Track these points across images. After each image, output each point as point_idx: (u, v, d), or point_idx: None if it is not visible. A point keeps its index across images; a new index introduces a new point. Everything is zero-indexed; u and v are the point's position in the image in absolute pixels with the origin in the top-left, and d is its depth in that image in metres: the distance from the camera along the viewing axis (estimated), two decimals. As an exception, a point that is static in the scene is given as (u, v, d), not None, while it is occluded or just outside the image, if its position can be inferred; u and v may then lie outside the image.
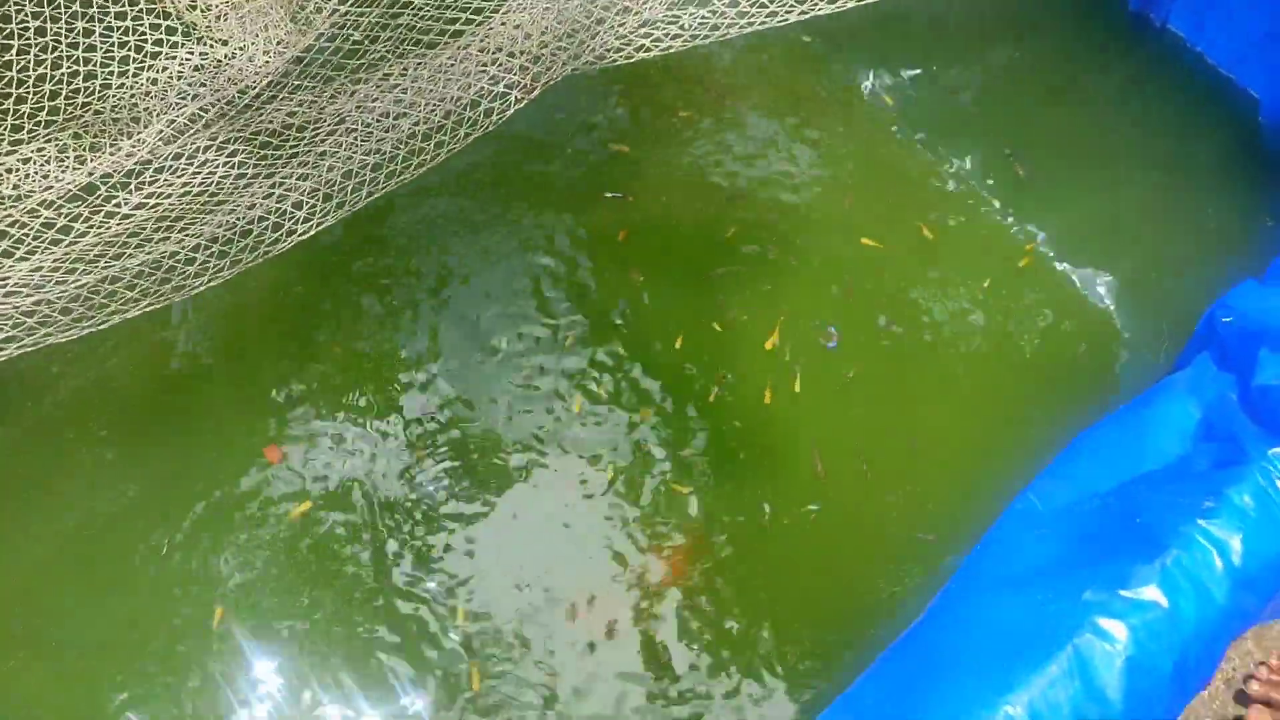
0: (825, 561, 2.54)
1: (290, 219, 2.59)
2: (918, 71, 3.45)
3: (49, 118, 2.53)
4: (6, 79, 2.49)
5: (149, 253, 2.55)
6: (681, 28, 2.69)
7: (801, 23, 2.71)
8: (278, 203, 2.59)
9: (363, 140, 2.63)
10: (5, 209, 2.45)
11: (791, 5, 2.70)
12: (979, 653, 1.75)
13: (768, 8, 2.71)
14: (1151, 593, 1.72)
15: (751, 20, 2.70)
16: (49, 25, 2.54)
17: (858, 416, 2.74)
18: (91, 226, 2.51)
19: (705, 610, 2.46)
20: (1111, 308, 2.97)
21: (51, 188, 2.48)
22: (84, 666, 2.36)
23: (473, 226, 3.05)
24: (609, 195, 3.12)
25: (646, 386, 2.78)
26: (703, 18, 2.70)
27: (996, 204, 3.14)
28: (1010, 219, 3.12)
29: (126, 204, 2.53)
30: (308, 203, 2.60)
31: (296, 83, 2.64)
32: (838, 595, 2.51)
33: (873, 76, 3.45)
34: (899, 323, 2.90)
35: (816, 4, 2.74)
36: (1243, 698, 2.18)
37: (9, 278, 2.40)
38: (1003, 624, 1.77)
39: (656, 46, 2.71)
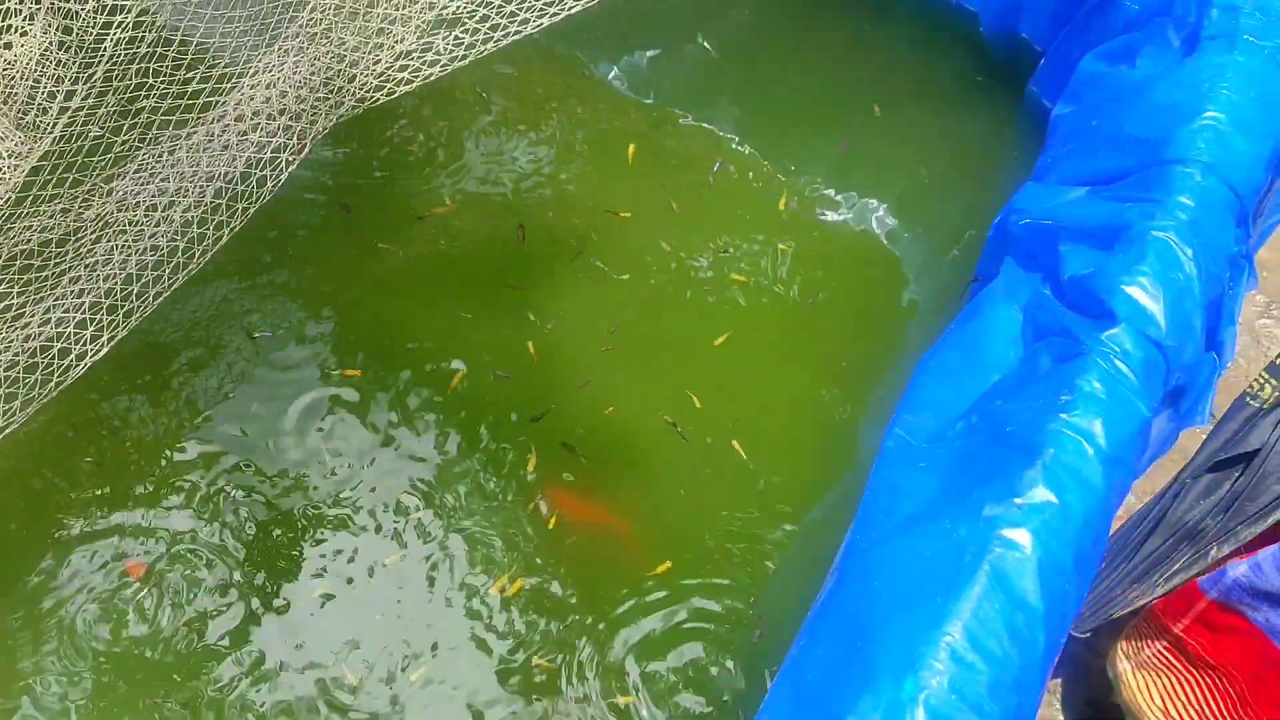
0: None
1: (78, 340, 2.39)
2: (657, 52, 3.49)
3: None
4: None
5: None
6: (437, 53, 2.62)
7: (553, 31, 2.69)
8: (58, 327, 2.38)
9: (135, 240, 2.45)
10: None
11: (542, 9, 2.68)
12: (903, 595, 1.81)
13: (518, 15, 2.67)
14: (1041, 494, 1.82)
15: (507, 32, 2.66)
16: None
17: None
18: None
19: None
20: (887, 238, 3.11)
21: None
22: None
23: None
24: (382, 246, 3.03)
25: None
26: (456, 38, 2.65)
27: (757, 159, 3.24)
28: (769, 167, 3.21)
29: None
30: (93, 320, 2.41)
31: (41, 193, 2.43)
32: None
33: (618, 67, 3.46)
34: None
35: (565, 4, 2.73)
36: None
37: None
38: (917, 561, 1.84)
39: (416, 78, 2.63)
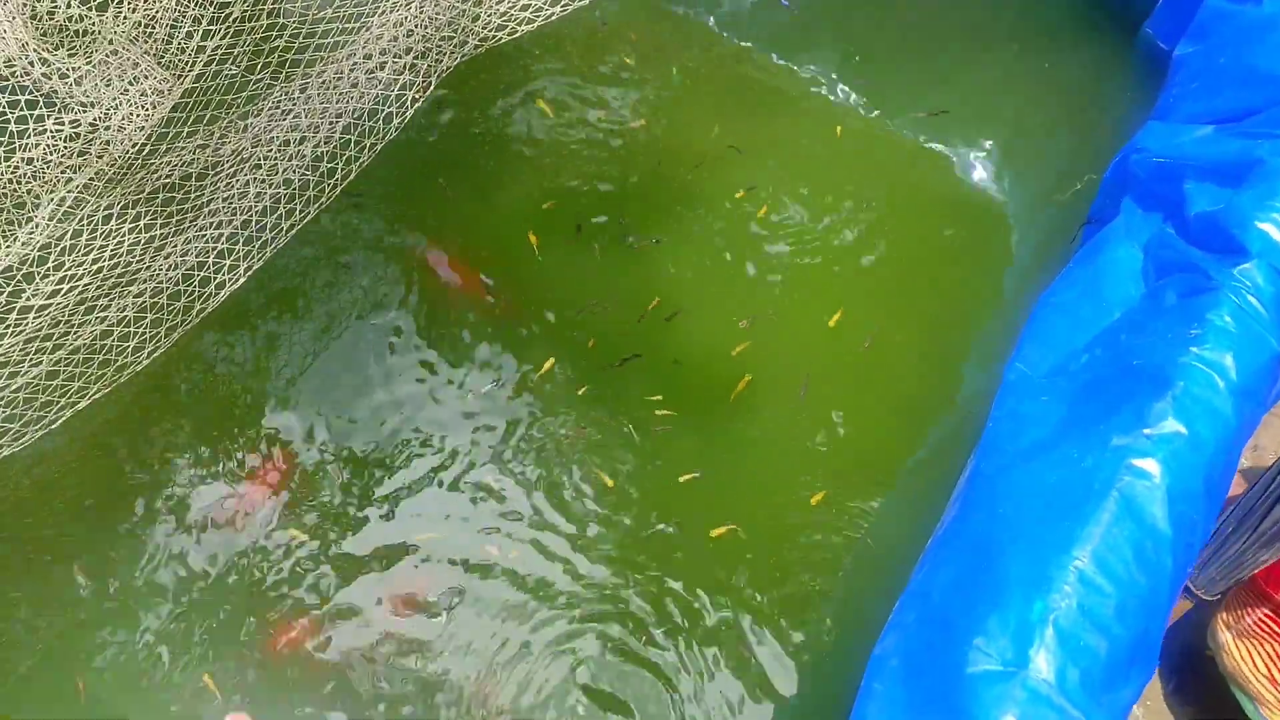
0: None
1: (218, 270, 2.50)
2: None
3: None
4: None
5: (77, 339, 2.43)
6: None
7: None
8: (198, 257, 2.49)
9: (269, 175, 2.54)
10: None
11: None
12: (1031, 520, 1.84)
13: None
14: (1171, 425, 1.84)
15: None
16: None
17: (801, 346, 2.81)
18: (7, 327, 2.36)
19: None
20: (993, 184, 3.10)
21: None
22: None
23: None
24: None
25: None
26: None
27: (858, 106, 3.23)
28: (876, 115, 3.20)
29: (39, 295, 2.39)
30: (230, 250, 2.51)
31: (181, 130, 2.52)
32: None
33: (714, 16, 3.45)
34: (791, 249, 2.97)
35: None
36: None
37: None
38: (1044, 488, 1.87)
39: (538, 17, 2.68)
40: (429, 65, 2.60)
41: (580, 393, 2.72)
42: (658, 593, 2.48)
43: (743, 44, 3.36)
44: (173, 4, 2.55)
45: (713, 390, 2.73)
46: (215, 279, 2.48)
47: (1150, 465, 1.81)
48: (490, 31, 2.63)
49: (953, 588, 1.88)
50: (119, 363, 2.41)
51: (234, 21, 2.58)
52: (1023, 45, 3.38)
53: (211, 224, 2.53)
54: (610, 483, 2.60)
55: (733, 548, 2.53)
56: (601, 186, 3.03)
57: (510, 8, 2.65)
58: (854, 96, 3.24)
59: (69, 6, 2.50)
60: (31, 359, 2.39)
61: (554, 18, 2.66)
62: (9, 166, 2.47)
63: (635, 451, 2.65)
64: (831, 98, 3.24)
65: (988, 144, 3.14)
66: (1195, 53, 2.60)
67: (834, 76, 3.30)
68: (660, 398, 2.71)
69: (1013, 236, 3.07)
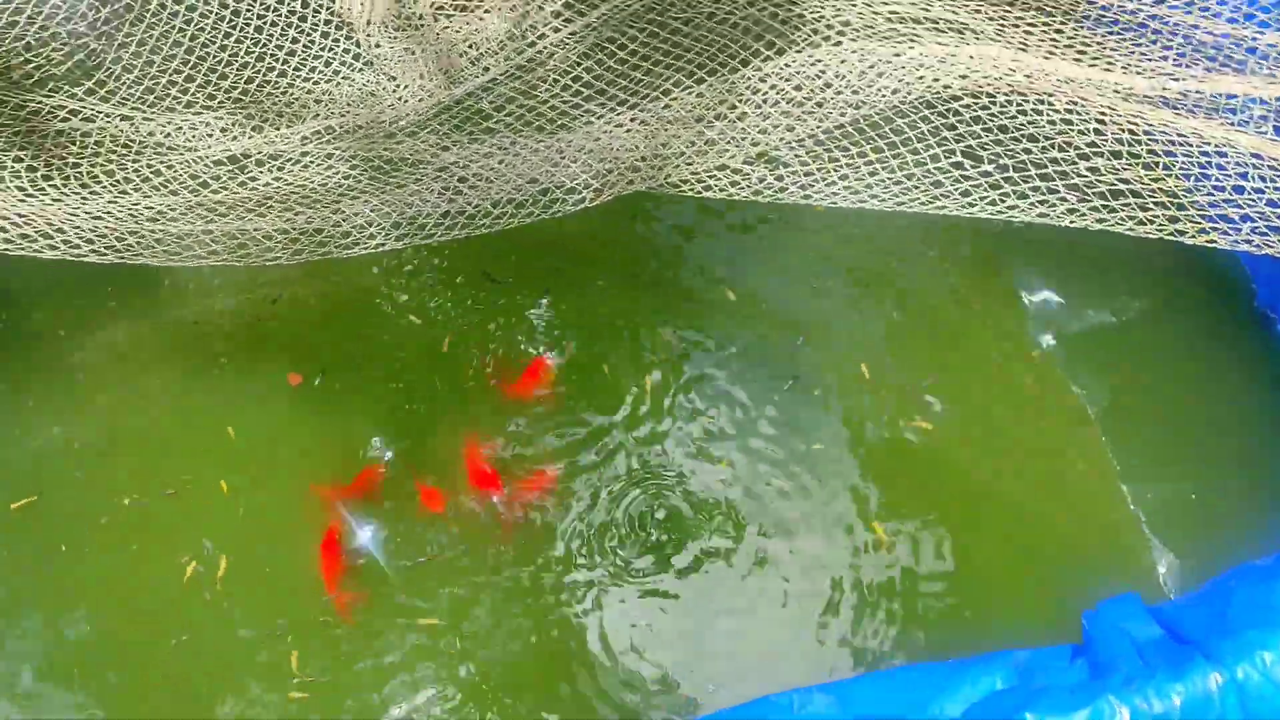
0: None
1: (366, 234, 2.90)
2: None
3: (236, 96, 3.07)
4: (221, 59, 3.07)
5: (255, 222, 3.00)
6: (747, 178, 2.70)
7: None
8: (363, 218, 2.91)
9: (451, 187, 2.90)
10: (173, 154, 3.00)
11: (834, 182, 2.63)
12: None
13: (836, 181, 2.65)
14: None
15: (818, 189, 2.66)
16: (270, 29, 3.08)
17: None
18: (225, 187, 2.99)
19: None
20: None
21: (211, 149, 3.00)
22: None
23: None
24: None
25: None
26: (775, 175, 2.70)
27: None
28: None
29: (256, 180, 2.99)
30: (379, 224, 2.92)
31: (425, 126, 2.99)
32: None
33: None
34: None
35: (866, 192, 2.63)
36: None
37: (153, 204, 2.93)
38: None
39: (716, 186, 2.74)
40: (613, 180, 2.80)
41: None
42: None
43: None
44: (483, 37, 3.05)
45: None
46: (361, 240, 2.84)
47: None
48: (673, 180, 2.75)
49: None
50: (255, 252, 2.92)
51: (514, 68, 3.01)
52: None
53: (393, 198, 2.95)
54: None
55: None
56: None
57: (705, 168, 2.75)
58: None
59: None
60: (235, 217, 2.97)
61: (731, 197, 2.71)
62: (312, 90, 3.12)
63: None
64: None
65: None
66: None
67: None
68: None
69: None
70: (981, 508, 2.71)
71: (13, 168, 2.74)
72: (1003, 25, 2.73)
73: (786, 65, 2.70)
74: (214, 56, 3.01)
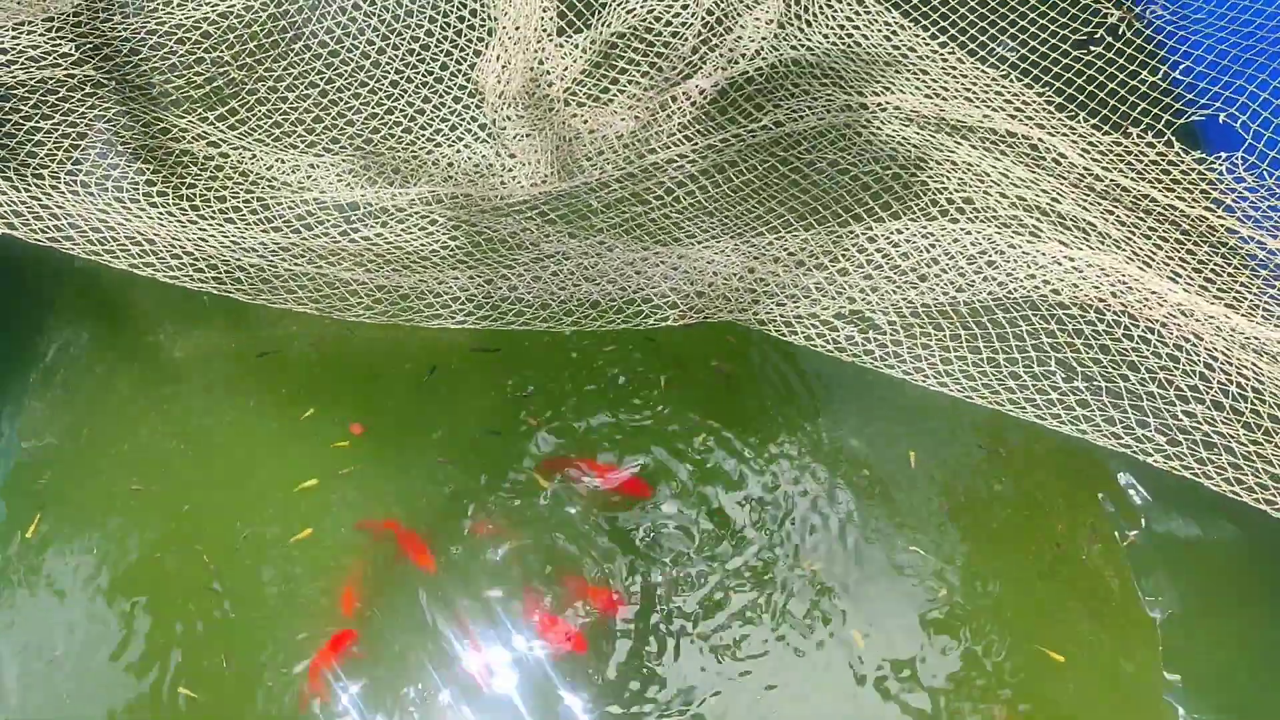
0: None
1: (449, 309, 2.89)
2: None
3: (359, 144, 3.12)
4: (352, 106, 3.12)
5: (345, 273, 3.04)
6: (838, 338, 2.64)
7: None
8: (449, 293, 2.91)
9: (541, 281, 2.91)
10: (283, 191, 3.05)
11: (920, 358, 2.54)
12: None
13: (925, 361, 2.57)
14: None
15: (903, 361, 2.58)
16: (405, 84, 3.13)
17: None
18: (327, 233, 3.04)
19: None
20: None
21: (322, 192, 3.05)
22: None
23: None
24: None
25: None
26: (866, 336, 2.64)
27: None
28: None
29: (358, 232, 3.03)
30: (463, 300, 2.93)
31: (532, 209, 3.00)
32: None
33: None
34: None
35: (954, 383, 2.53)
36: None
37: (253, 238, 2.98)
38: None
39: (798, 331, 2.68)
40: (702, 305, 2.76)
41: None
42: None
43: None
44: (600, 134, 3.05)
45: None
46: (450, 309, 2.83)
47: None
48: (760, 318, 2.70)
49: None
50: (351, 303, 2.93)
51: (622, 166, 2.99)
52: None
53: (483, 277, 2.96)
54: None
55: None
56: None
57: (795, 313, 2.69)
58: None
59: (563, 84, 3.11)
60: (329, 263, 3.02)
61: (814, 346, 2.64)
62: (434, 152, 3.15)
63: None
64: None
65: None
66: None
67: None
68: None
69: None
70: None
71: (133, 179, 2.82)
72: (1131, 234, 2.61)
73: (899, 231, 2.63)
74: (345, 103, 3.06)
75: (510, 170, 3.06)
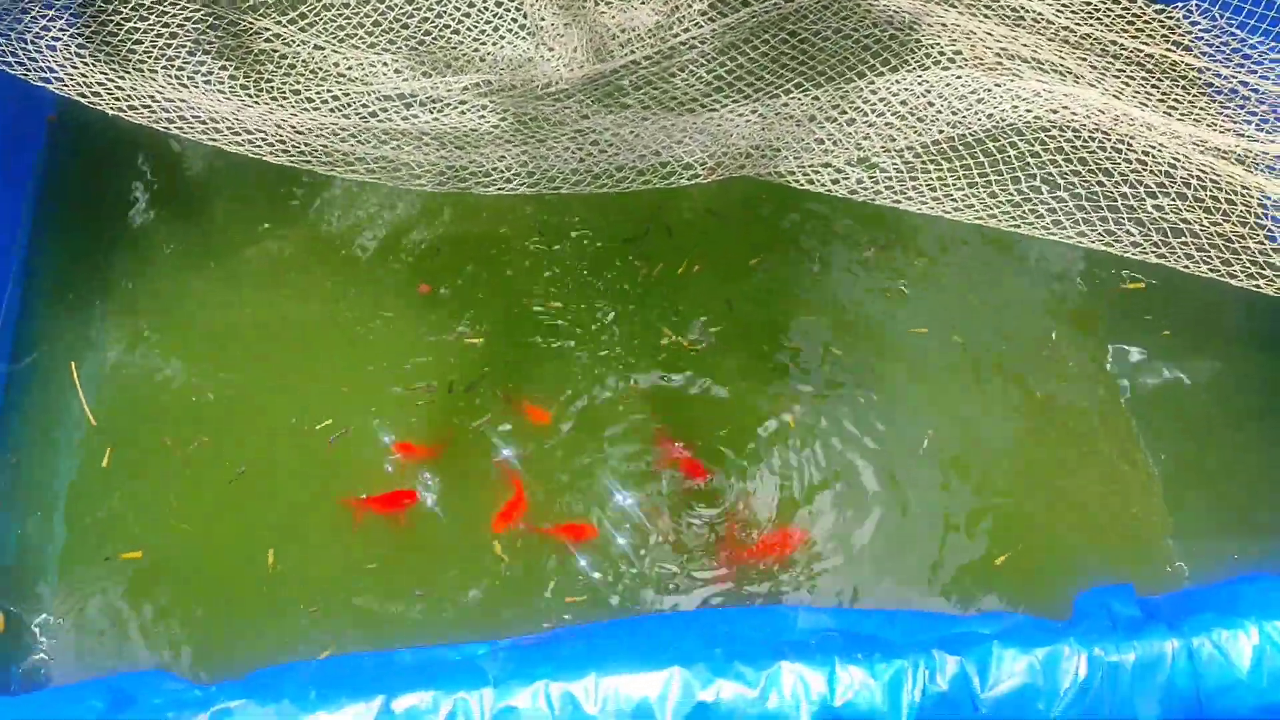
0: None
1: (503, 178, 3.24)
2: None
3: (414, 45, 3.50)
4: (407, 10, 3.49)
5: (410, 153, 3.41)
6: (845, 177, 2.99)
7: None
8: (504, 164, 3.27)
9: (584, 148, 3.26)
10: (351, 85, 3.42)
11: (923, 192, 2.89)
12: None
13: (924, 190, 2.92)
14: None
15: (906, 194, 2.94)
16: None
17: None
18: (390, 119, 3.40)
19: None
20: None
21: (384, 86, 3.42)
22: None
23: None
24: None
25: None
26: (871, 177, 2.99)
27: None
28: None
29: (418, 118, 3.39)
30: (517, 170, 3.28)
31: (571, 93, 3.37)
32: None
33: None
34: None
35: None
36: None
37: (328, 122, 3.35)
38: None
39: (816, 181, 3.03)
40: (726, 162, 3.12)
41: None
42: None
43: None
44: (628, 25, 3.42)
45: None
46: (496, 180, 3.20)
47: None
48: (777, 169, 3.06)
49: None
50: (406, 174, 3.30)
51: (657, 56, 3.37)
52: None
53: (524, 150, 3.32)
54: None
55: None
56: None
57: (810, 164, 3.05)
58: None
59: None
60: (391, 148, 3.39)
61: (834, 193, 3.00)
62: (478, 48, 3.52)
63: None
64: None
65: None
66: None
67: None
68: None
69: None
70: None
71: (219, 74, 3.20)
72: (1103, 74, 2.98)
73: (897, 82, 2.99)
74: (400, 8, 3.44)
75: (550, 61, 3.44)
